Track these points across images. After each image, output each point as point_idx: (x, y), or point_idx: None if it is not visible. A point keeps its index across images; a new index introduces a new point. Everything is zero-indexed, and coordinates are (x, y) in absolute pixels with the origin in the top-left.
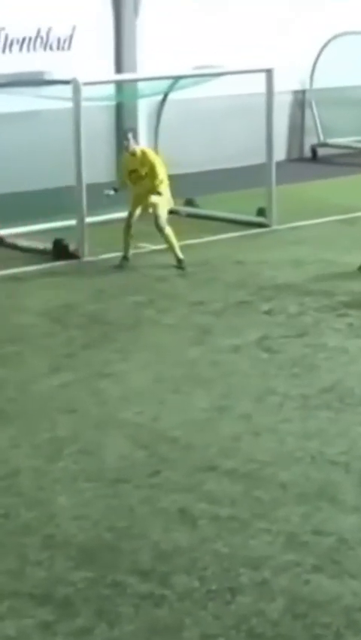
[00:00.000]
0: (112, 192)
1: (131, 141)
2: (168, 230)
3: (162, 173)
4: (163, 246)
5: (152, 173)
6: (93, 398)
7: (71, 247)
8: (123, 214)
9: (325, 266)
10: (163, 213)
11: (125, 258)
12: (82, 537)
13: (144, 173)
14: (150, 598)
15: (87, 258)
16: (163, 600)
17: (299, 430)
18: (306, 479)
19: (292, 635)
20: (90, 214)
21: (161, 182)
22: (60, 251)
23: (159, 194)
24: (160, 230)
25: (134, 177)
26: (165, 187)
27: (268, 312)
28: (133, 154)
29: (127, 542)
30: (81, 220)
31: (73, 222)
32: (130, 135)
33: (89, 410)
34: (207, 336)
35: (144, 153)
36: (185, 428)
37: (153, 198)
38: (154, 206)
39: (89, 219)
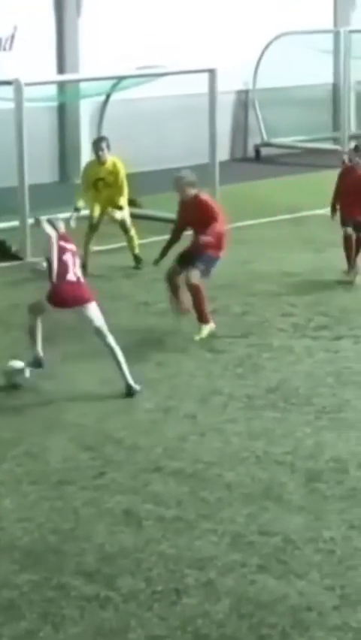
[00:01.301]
0: (75, 215)
1: (105, 151)
2: (133, 232)
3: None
4: (107, 247)
5: (120, 185)
6: (37, 400)
7: (14, 248)
8: (66, 214)
9: (270, 265)
10: (128, 217)
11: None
12: (26, 540)
13: (111, 182)
14: (96, 600)
15: (30, 259)
16: (108, 602)
17: (244, 430)
18: (251, 479)
19: (238, 635)
20: (33, 214)
21: (124, 196)
22: (2, 252)
23: (120, 208)
24: (127, 231)
25: (101, 185)
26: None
27: (212, 312)
28: (103, 163)
29: (72, 544)
30: (23, 221)
31: (15, 223)
32: (104, 145)
33: (34, 412)
34: (152, 337)
35: (114, 163)
36: (130, 429)
37: (118, 215)
38: (119, 219)
39: (31, 220)
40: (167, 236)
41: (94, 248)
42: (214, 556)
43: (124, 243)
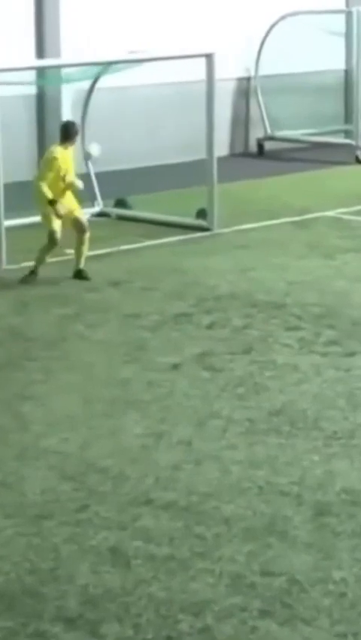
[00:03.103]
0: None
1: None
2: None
3: None
4: (92, 253)
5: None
6: (13, 424)
7: None
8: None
9: (274, 273)
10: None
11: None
12: (0, 581)
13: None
14: None
15: (6, 266)
16: None
17: (245, 458)
18: (253, 513)
19: None
20: (9, 217)
21: None
22: None
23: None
24: (85, 232)
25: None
26: None
27: (209, 326)
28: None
29: (51, 586)
30: None
31: None
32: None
33: (9, 437)
34: (142, 353)
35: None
36: (117, 457)
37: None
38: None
39: (7, 223)
40: (162, 240)
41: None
42: (211, 599)
43: (111, 248)
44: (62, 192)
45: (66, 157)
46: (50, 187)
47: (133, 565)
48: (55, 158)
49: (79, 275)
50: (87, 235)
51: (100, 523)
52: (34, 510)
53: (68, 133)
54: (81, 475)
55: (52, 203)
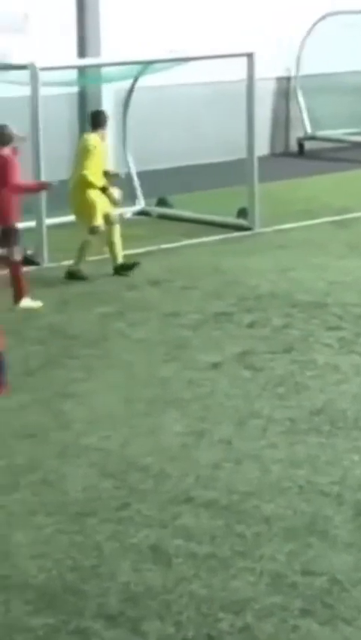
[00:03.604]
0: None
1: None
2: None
3: None
4: (133, 251)
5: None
6: (54, 422)
7: (29, 252)
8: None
9: (314, 273)
10: None
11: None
12: (42, 578)
13: None
14: None
15: (47, 264)
16: None
17: (286, 457)
18: (293, 512)
19: None
20: (50, 215)
21: None
22: None
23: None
24: (114, 224)
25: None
26: None
27: (250, 325)
28: (103, 138)
29: (93, 584)
30: (40, 222)
31: (31, 224)
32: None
33: (50, 435)
34: (183, 352)
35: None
36: (157, 455)
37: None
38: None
39: (49, 221)
40: (202, 239)
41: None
42: (252, 598)
43: (151, 247)
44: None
45: (102, 146)
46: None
47: (174, 563)
48: (94, 147)
49: (122, 269)
50: (117, 227)
51: (141, 521)
52: (75, 508)
53: (97, 120)
54: (122, 473)
55: (104, 190)
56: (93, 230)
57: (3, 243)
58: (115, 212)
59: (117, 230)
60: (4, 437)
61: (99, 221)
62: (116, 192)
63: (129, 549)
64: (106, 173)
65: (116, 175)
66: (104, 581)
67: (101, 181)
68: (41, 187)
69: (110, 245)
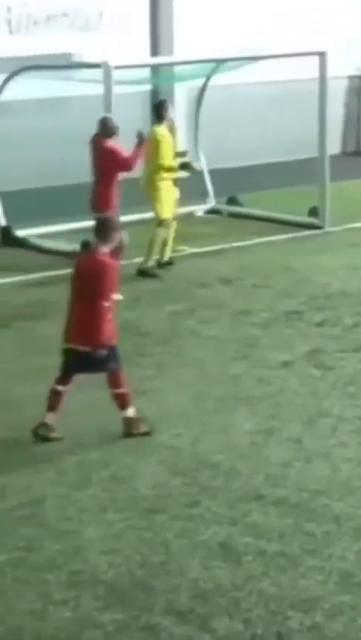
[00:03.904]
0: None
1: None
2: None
3: None
4: (204, 249)
5: None
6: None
7: None
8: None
9: None
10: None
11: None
12: (112, 574)
13: None
14: None
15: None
16: None
17: (356, 456)
18: None
19: None
20: (122, 212)
21: None
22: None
23: None
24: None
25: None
26: None
27: (320, 324)
28: (172, 129)
29: (162, 580)
30: None
31: None
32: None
33: (119, 431)
34: (253, 350)
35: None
36: (227, 453)
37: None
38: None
39: (122, 218)
40: (273, 238)
41: (189, 249)
42: (321, 596)
43: (222, 245)
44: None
45: (170, 137)
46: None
47: (243, 560)
48: (162, 136)
49: (161, 266)
50: (174, 225)
51: (211, 518)
52: (145, 504)
53: (160, 111)
54: (192, 471)
55: (185, 166)
56: (161, 224)
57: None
58: (177, 210)
59: (173, 228)
60: (78, 434)
61: (168, 215)
62: (198, 164)
63: (198, 546)
64: (177, 154)
65: (184, 153)
66: (174, 577)
67: (177, 163)
68: (140, 142)
69: (168, 242)
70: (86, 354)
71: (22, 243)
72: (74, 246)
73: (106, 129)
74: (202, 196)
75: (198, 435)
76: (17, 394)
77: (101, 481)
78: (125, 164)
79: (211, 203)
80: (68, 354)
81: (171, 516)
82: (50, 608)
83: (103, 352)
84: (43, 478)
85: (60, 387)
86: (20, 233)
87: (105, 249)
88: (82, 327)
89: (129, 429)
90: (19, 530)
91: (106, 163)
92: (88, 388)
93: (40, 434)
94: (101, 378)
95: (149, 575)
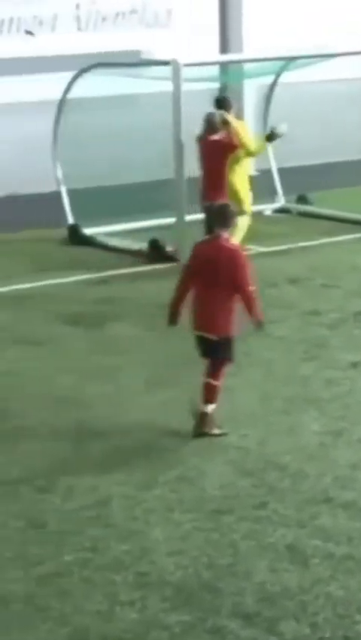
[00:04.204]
0: None
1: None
2: None
3: None
4: (272, 249)
5: None
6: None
7: (169, 248)
8: None
9: None
10: None
11: None
12: (179, 575)
13: None
14: None
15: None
16: None
17: None
18: None
19: None
20: (191, 210)
21: None
22: (157, 252)
23: None
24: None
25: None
26: None
27: None
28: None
29: (229, 582)
30: (181, 218)
31: (171, 220)
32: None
33: (189, 431)
34: (322, 351)
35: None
36: (296, 454)
37: None
38: None
39: (190, 217)
40: (342, 237)
41: (256, 248)
42: None
43: (291, 245)
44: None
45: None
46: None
47: (311, 563)
48: (237, 123)
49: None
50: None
51: (278, 520)
52: (213, 505)
53: (222, 105)
54: (260, 472)
55: (271, 137)
56: (239, 213)
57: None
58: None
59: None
60: (144, 434)
61: (245, 207)
62: (281, 127)
63: (266, 548)
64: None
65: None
66: (240, 579)
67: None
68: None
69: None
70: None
71: (89, 241)
72: (141, 245)
73: (211, 125)
74: (271, 195)
75: (266, 436)
76: (87, 393)
77: (168, 482)
78: (236, 147)
79: (280, 202)
80: (199, 341)
81: (239, 517)
82: (117, 609)
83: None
84: (110, 478)
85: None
86: (88, 231)
87: (226, 235)
88: (207, 313)
89: (202, 426)
90: (85, 531)
91: (216, 155)
92: (157, 388)
93: (200, 430)
94: (172, 379)
95: (216, 577)
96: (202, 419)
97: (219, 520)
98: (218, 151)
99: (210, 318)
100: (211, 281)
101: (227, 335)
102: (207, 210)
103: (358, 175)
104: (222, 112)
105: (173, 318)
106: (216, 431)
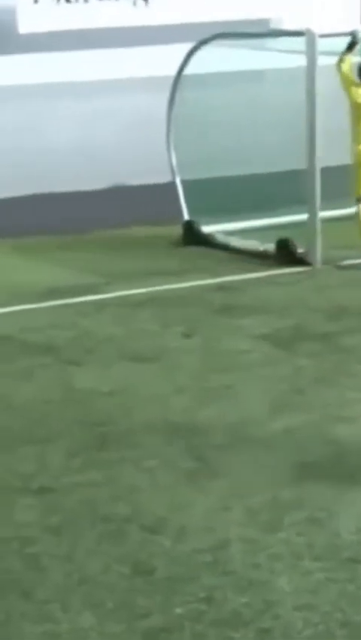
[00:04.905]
0: None
1: None
2: None
3: None
4: None
5: None
6: (326, 448)
7: (299, 250)
8: None
9: None
10: None
11: None
12: (308, 633)
13: None
14: None
15: (321, 265)
16: None
17: None
18: None
19: None
20: (326, 207)
21: None
22: (285, 254)
23: None
24: None
25: None
26: None
27: None
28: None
29: None
30: (313, 215)
31: (302, 217)
32: None
33: (321, 464)
34: None
35: None
36: None
37: None
38: None
39: (323, 214)
40: None
41: None
42: None
43: None
44: None
45: None
46: None
47: None
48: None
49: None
50: None
51: None
52: (348, 552)
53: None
54: None
55: None
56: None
57: None
58: None
59: None
60: (270, 468)
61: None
62: None
63: None
64: None
65: None
66: None
67: None
68: None
69: None
70: None
71: (207, 241)
72: (267, 246)
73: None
74: None
75: None
76: (201, 417)
77: (296, 524)
78: None
79: None
80: None
81: None
82: None
83: None
84: (228, 518)
85: None
86: (205, 229)
87: None
88: None
89: None
90: (199, 578)
91: None
92: (283, 413)
93: None
94: (298, 402)
95: (351, 636)
96: None
97: (357, 570)
98: None
99: None
100: None
101: None
102: None
103: None
104: None
105: None
106: None
